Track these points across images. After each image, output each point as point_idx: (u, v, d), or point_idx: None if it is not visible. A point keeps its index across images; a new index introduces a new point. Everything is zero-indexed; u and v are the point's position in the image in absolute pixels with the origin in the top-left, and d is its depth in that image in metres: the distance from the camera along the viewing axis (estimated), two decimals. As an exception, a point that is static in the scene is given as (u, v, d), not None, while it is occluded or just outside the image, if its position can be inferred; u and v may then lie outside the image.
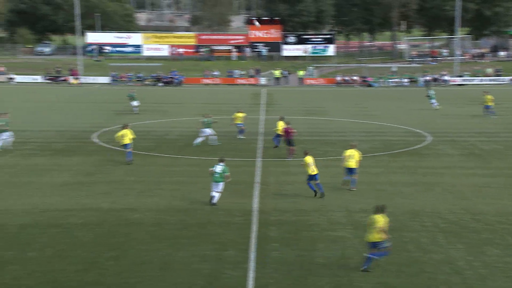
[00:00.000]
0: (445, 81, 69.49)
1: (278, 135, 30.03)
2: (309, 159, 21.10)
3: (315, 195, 20.94)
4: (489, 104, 41.94)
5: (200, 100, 54.02)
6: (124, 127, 26.64)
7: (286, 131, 28.24)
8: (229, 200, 20.58)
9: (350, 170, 21.93)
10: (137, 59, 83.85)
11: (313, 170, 20.91)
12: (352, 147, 22.45)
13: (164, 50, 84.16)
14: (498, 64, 78.51)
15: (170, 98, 55.75)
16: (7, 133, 30.06)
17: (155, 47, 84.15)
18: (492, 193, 21.91)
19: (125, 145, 26.30)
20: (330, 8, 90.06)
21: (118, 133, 26.67)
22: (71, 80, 70.55)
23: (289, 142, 28.05)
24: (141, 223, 18.12)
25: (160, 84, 69.38)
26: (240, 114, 33.06)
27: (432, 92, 47.40)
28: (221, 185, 20.11)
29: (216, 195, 20.04)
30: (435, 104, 45.94)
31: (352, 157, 21.93)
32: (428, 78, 69.05)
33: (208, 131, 30.71)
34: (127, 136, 26.22)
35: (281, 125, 29.80)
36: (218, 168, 20.08)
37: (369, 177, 24.17)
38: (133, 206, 19.91)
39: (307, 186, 21.46)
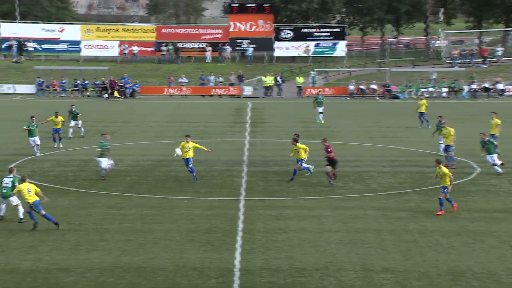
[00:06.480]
0: (501, 90, 69.93)
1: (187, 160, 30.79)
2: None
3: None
4: (423, 111, 48.22)
5: (161, 117, 53.97)
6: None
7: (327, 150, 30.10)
8: (202, 255, 20.47)
9: (447, 148, 34.03)
10: (74, 60, 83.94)
11: (30, 197, 22.90)
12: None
13: (111, 49, 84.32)
14: None
15: (120, 114, 55.72)
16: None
17: (99, 44, 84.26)
18: None
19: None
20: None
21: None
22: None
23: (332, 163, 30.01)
24: (76, 289, 17.96)
25: (106, 95, 69.35)
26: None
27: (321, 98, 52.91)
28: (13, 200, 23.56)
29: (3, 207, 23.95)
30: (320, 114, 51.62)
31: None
32: (475, 86, 69.46)
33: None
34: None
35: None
36: (6, 180, 23.69)
37: (394, 223, 24.18)
38: (66, 265, 19.74)
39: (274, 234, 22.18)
